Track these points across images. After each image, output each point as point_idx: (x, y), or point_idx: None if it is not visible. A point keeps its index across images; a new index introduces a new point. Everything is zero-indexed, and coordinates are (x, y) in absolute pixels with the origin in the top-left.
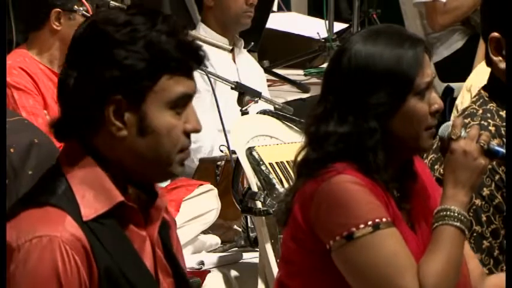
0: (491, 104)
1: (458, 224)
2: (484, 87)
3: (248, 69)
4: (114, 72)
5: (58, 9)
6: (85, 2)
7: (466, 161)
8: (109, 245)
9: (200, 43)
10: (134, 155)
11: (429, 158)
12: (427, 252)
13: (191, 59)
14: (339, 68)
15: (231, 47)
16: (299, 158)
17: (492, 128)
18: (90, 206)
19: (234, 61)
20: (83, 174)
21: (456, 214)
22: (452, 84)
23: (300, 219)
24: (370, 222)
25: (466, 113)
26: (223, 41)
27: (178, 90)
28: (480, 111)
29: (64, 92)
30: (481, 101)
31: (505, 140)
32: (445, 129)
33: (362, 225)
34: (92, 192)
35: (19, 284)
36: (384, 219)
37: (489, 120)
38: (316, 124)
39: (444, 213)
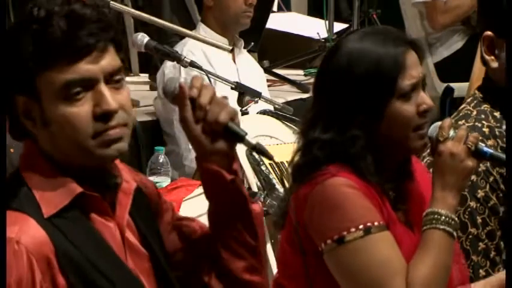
0: (485, 105)
1: (446, 227)
2: (479, 88)
3: (248, 69)
4: (10, 72)
5: None
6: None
7: (453, 163)
8: (75, 238)
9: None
10: (55, 146)
11: (425, 161)
12: (416, 256)
13: (74, 46)
14: (325, 72)
15: (231, 47)
16: (294, 162)
17: (486, 129)
18: (50, 203)
19: (234, 61)
20: (38, 173)
21: (444, 217)
22: (452, 84)
23: (295, 222)
24: (361, 226)
25: (461, 114)
26: (223, 41)
27: (62, 80)
28: (474, 113)
29: None
30: (475, 102)
31: (499, 140)
32: (433, 130)
33: (353, 229)
34: (51, 189)
35: None
36: (376, 223)
37: (483, 122)
38: (305, 129)
39: (432, 216)
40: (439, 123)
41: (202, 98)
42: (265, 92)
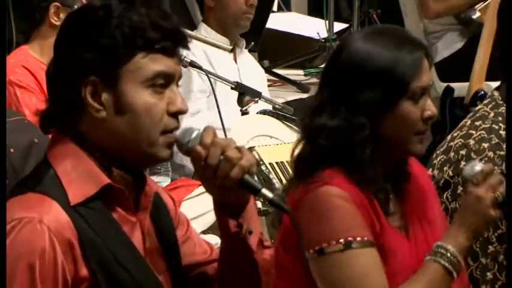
0: (503, 107)
1: (447, 264)
2: (497, 89)
3: (249, 69)
4: (87, 54)
5: (57, 4)
6: (85, 2)
7: (477, 206)
8: (98, 229)
9: (183, 29)
10: (115, 135)
11: (438, 159)
12: (409, 280)
13: (166, 38)
14: (336, 63)
15: (231, 47)
16: (295, 153)
17: (503, 132)
18: (77, 191)
19: (235, 61)
20: (68, 160)
21: (449, 255)
22: (452, 84)
23: (288, 224)
24: (341, 240)
25: (477, 115)
26: (224, 41)
27: (154, 69)
28: (492, 114)
29: (47, 81)
30: (493, 103)
31: None
32: (469, 169)
33: (334, 242)
34: (79, 177)
35: None
36: (359, 239)
37: (500, 124)
38: (310, 117)
39: (439, 249)
40: (476, 164)
41: (210, 158)
42: (266, 92)
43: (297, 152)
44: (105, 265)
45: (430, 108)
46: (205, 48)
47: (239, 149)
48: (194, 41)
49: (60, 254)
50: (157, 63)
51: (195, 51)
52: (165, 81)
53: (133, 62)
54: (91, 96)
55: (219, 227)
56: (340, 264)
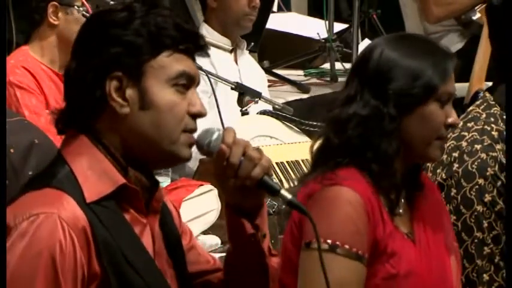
0: (495, 108)
1: None
2: (489, 90)
3: (249, 70)
4: (112, 49)
5: (55, 3)
6: (85, 2)
7: None
8: (111, 227)
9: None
10: (137, 132)
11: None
12: None
13: (189, 40)
14: (369, 59)
15: (231, 47)
16: (315, 146)
17: (495, 133)
18: (93, 189)
19: (236, 62)
20: (84, 159)
21: None
22: None
23: (296, 217)
24: (329, 241)
25: (469, 116)
26: (225, 41)
27: (178, 68)
28: (484, 116)
29: (67, 79)
30: (485, 104)
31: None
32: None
33: (321, 240)
34: (94, 176)
35: (15, 259)
36: (346, 246)
37: (492, 125)
38: (339, 107)
39: None
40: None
41: (232, 157)
42: (266, 93)
43: (317, 145)
44: (116, 264)
45: (453, 115)
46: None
47: (258, 149)
48: None
49: (79, 249)
50: (180, 64)
51: None
52: (187, 82)
53: (158, 60)
54: (115, 92)
55: (229, 231)
56: (318, 264)
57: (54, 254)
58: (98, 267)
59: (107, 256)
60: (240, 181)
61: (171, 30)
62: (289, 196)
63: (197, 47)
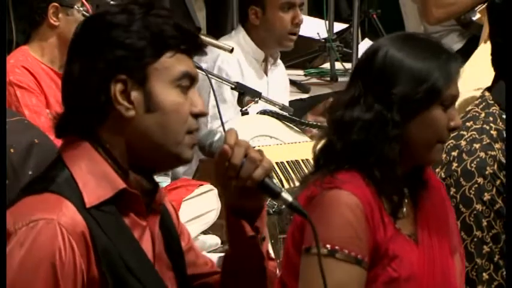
0: (494, 107)
1: None
2: (488, 89)
3: (278, 82)
4: (116, 53)
5: (55, 4)
6: (85, 3)
7: None
8: (110, 231)
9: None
10: (143, 134)
11: None
12: None
13: (189, 40)
14: (373, 61)
15: (231, 47)
16: (318, 148)
17: (494, 132)
18: (93, 193)
19: (266, 73)
20: (84, 163)
21: None
22: None
23: (298, 221)
24: (328, 246)
25: (468, 116)
26: (258, 52)
27: (181, 69)
28: (482, 115)
29: (69, 84)
30: (483, 104)
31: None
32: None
33: (321, 245)
34: (94, 180)
35: (14, 267)
36: (346, 251)
37: (491, 124)
38: (342, 110)
39: None
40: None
41: (234, 158)
42: (286, 102)
43: (319, 146)
44: (115, 270)
45: (456, 118)
46: (240, 58)
47: (259, 151)
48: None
49: (78, 255)
50: (182, 64)
51: (230, 60)
52: (189, 82)
53: (161, 61)
54: (120, 95)
55: (229, 233)
56: (317, 268)
57: (54, 262)
58: (97, 272)
59: (106, 262)
60: (241, 182)
61: (172, 31)
62: (290, 199)
63: (196, 47)
